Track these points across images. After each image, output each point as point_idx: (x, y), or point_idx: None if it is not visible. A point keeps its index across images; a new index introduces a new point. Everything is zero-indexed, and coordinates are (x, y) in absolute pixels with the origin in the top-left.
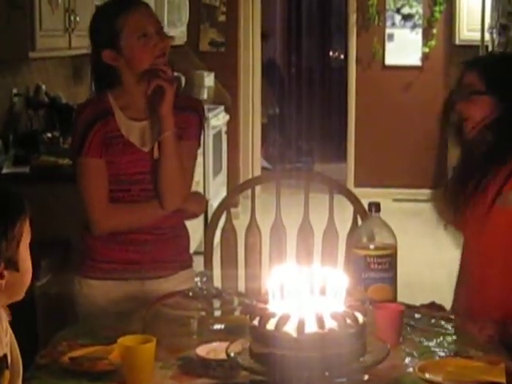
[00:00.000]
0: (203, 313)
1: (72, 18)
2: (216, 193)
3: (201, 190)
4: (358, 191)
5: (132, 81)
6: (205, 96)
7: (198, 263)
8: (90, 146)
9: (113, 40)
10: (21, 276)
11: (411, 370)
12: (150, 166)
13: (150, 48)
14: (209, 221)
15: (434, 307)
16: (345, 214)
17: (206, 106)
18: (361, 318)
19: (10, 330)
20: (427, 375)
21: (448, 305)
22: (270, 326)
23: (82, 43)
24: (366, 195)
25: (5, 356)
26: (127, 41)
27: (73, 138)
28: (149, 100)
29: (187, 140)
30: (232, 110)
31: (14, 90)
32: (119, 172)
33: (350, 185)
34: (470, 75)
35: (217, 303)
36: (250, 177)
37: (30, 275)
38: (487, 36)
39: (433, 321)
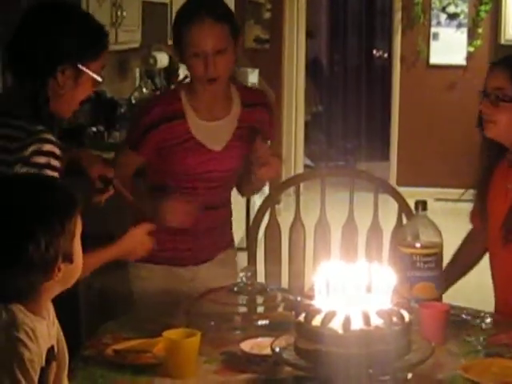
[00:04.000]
0: (247, 308)
1: (119, 12)
2: None
3: None
4: (400, 190)
5: (196, 82)
6: None
7: (242, 259)
8: (145, 146)
9: (177, 43)
10: (74, 267)
11: (455, 369)
12: (219, 165)
13: (199, 70)
14: (251, 217)
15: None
16: (388, 213)
17: None
18: (407, 316)
19: (56, 322)
20: (471, 375)
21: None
22: (316, 322)
23: (128, 38)
24: (408, 194)
25: (52, 347)
26: (184, 52)
27: (130, 132)
28: None
29: (270, 139)
30: (276, 107)
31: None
32: (188, 172)
33: (393, 183)
34: (498, 77)
35: (260, 299)
36: (293, 174)
37: (81, 265)
38: None
39: (478, 321)
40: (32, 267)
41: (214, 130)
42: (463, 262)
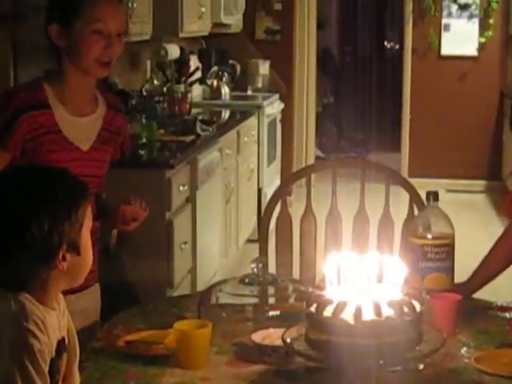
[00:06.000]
0: (258, 299)
1: (130, 4)
2: (270, 181)
3: (255, 178)
4: (411, 181)
5: (72, 73)
6: (259, 84)
7: (254, 251)
8: (11, 138)
9: (67, 17)
10: (82, 260)
11: (467, 360)
12: (84, 168)
13: (98, 49)
14: (263, 209)
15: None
16: (399, 204)
17: (260, 94)
18: (418, 307)
19: (67, 313)
20: (483, 366)
21: (501, 296)
22: (327, 312)
23: (139, 30)
24: (420, 185)
25: (63, 339)
26: (79, 28)
27: None
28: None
29: (127, 152)
30: (287, 99)
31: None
32: None
33: (404, 175)
34: None
35: (272, 290)
36: (304, 165)
37: (91, 262)
38: None
39: (490, 312)
40: (35, 251)
41: (80, 127)
42: (498, 259)
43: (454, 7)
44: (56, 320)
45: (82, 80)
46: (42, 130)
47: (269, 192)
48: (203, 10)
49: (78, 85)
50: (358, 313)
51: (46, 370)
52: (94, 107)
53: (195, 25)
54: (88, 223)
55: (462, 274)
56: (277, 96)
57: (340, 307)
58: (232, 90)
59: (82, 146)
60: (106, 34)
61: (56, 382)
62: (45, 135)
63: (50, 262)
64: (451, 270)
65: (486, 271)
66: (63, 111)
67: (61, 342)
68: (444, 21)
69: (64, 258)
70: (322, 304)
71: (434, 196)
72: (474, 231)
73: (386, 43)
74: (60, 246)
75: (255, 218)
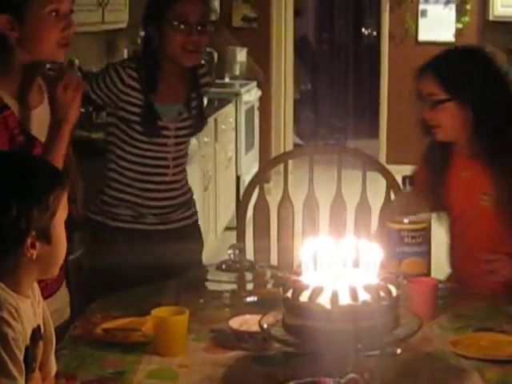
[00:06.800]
0: (236, 285)
1: None
2: (248, 169)
3: (233, 165)
4: (389, 168)
5: (26, 63)
6: (237, 71)
7: (232, 239)
8: None
9: (19, 4)
10: (53, 250)
11: (444, 344)
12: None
13: (57, 31)
14: (241, 196)
15: None
16: (377, 190)
17: (238, 82)
18: (394, 291)
19: (42, 301)
20: (460, 350)
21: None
22: (304, 297)
23: (115, 18)
24: (398, 172)
25: (38, 327)
26: (34, 12)
27: None
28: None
29: None
30: (264, 86)
31: (48, 65)
32: None
33: (382, 161)
34: (427, 83)
35: (249, 276)
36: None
37: (64, 253)
38: None
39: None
40: (1, 236)
41: (37, 119)
42: None
43: None
44: (30, 308)
45: (35, 70)
46: (12, 133)
47: (247, 179)
48: None
49: (32, 75)
50: (334, 297)
51: (21, 358)
52: (42, 94)
53: None
54: (63, 214)
55: (439, 258)
56: (254, 83)
57: (316, 292)
58: None
59: (43, 139)
60: (62, 13)
61: (32, 370)
62: (14, 138)
63: (18, 248)
64: (428, 255)
65: None
66: (19, 107)
67: (36, 330)
68: (421, 7)
69: (33, 246)
70: (299, 289)
71: (409, 181)
72: None
73: (363, 30)
74: (28, 233)
75: (233, 205)
